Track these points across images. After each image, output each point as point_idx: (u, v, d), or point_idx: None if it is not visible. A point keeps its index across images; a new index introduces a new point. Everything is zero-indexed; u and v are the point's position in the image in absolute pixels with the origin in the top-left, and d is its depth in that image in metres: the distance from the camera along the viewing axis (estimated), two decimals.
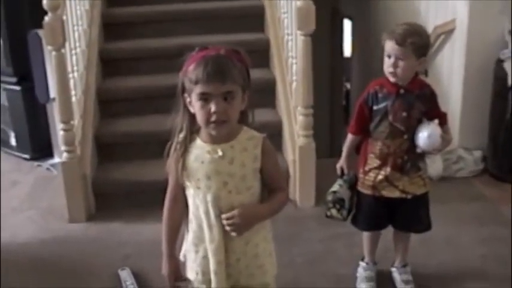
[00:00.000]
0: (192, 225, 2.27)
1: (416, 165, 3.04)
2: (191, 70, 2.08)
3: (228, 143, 2.17)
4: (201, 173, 2.18)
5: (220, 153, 2.16)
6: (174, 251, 2.35)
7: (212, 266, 2.23)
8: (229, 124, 2.12)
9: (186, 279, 2.38)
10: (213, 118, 2.07)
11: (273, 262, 2.38)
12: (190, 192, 2.24)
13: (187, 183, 2.23)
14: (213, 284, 2.26)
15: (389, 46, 2.84)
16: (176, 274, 2.35)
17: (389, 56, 2.85)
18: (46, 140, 5.11)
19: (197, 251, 2.28)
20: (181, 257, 2.39)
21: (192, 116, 2.16)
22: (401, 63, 2.84)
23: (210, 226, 2.20)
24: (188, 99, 2.13)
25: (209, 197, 2.18)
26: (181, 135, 2.20)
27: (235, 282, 2.30)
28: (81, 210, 4.14)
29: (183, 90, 2.14)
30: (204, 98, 2.06)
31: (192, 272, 2.33)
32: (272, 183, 2.28)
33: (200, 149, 2.19)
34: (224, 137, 2.16)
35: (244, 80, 2.14)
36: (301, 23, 3.94)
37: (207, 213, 2.20)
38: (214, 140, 2.17)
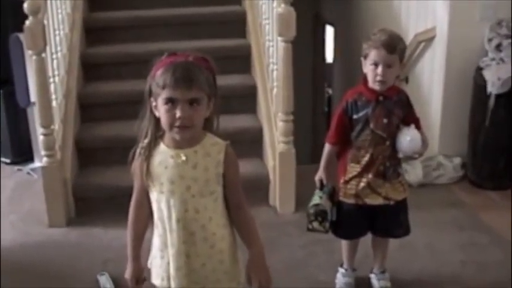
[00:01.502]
0: (159, 230, 2.28)
1: (396, 171, 3.06)
2: (159, 75, 2.10)
3: (191, 148, 2.20)
4: (165, 177, 2.20)
5: (183, 157, 2.19)
6: (138, 255, 2.35)
7: (171, 271, 2.25)
8: (193, 129, 2.14)
9: (148, 283, 2.39)
10: (178, 123, 2.09)
11: (240, 270, 2.36)
12: (154, 197, 2.25)
13: (151, 188, 2.24)
14: None
15: (377, 54, 2.84)
16: (138, 278, 2.36)
17: (376, 64, 2.86)
18: (27, 144, 5.10)
19: (162, 257, 2.29)
20: (148, 265, 2.40)
21: (157, 121, 2.18)
22: (390, 71, 2.86)
23: (171, 230, 2.22)
24: (154, 103, 2.15)
25: (172, 202, 2.20)
26: (146, 140, 2.21)
27: None
28: (61, 214, 4.13)
29: (150, 94, 2.16)
30: (170, 102, 2.08)
31: (157, 278, 2.33)
32: (231, 194, 2.29)
33: (164, 153, 2.20)
34: (188, 142, 2.19)
35: (210, 87, 2.16)
36: (282, 29, 3.95)
37: (169, 217, 2.22)
38: (178, 145, 2.19)
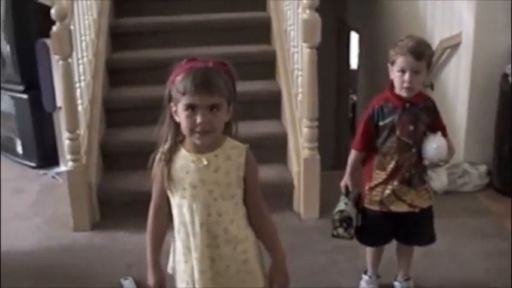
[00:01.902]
0: (181, 235, 2.28)
1: (422, 178, 3.05)
2: (179, 81, 2.11)
3: (212, 152, 2.21)
4: (187, 182, 2.21)
5: (205, 162, 2.20)
6: (158, 260, 2.36)
7: (196, 274, 2.26)
8: (213, 134, 2.16)
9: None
10: (198, 129, 2.11)
11: (263, 270, 2.37)
12: (175, 202, 2.26)
13: (173, 193, 2.25)
14: None
15: (405, 61, 2.83)
16: (161, 283, 2.36)
17: (403, 71, 2.85)
18: (52, 148, 5.13)
19: (186, 261, 2.29)
20: (169, 270, 2.41)
21: (177, 126, 2.19)
22: (418, 77, 2.85)
23: (194, 235, 2.23)
24: (174, 109, 2.16)
25: (195, 206, 2.21)
26: (167, 145, 2.22)
27: None
28: (86, 218, 4.16)
29: (170, 99, 2.17)
30: (191, 108, 2.10)
31: (182, 283, 2.33)
32: (251, 197, 2.31)
33: (185, 158, 2.21)
34: (208, 146, 2.20)
35: (230, 92, 2.17)
36: (307, 36, 3.95)
37: (192, 222, 2.22)
38: (199, 150, 2.20)
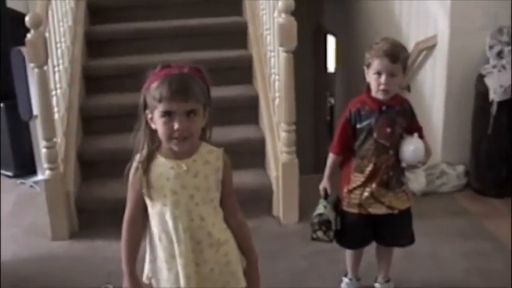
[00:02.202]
0: (162, 243, 2.26)
1: (400, 180, 3.06)
2: (154, 88, 2.11)
3: (190, 158, 2.22)
4: (168, 189, 2.20)
5: (184, 167, 2.20)
6: (135, 270, 2.34)
7: (182, 280, 2.25)
8: (191, 140, 2.17)
9: None
10: (176, 135, 2.11)
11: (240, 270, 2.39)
12: (156, 210, 2.24)
13: (153, 201, 2.24)
14: None
15: (381, 64, 2.84)
16: None
17: (379, 74, 2.85)
18: (29, 157, 5.10)
19: (170, 269, 2.28)
20: (144, 279, 2.39)
21: (153, 133, 2.19)
22: (394, 80, 2.86)
23: (179, 241, 2.22)
24: (150, 116, 2.16)
25: (177, 212, 2.21)
26: (144, 153, 2.21)
27: None
28: (64, 227, 4.13)
29: (145, 106, 2.17)
30: (168, 115, 2.10)
31: None
32: (228, 200, 2.33)
33: (163, 165, 2.21)
34: (186, 152, 2.20)
35: (205, 97, 2.17)
36: (283, 40, 3.95)
37: (176, 228, 2.22)
38: (177, 156, 2.20)
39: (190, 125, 2.12)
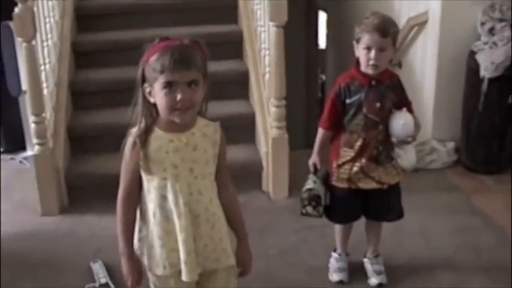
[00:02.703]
0: (157, 219, 2.24)
1: (390, 155, 3.06)
2: (155, 59, 2.07)
3: (189, 131, 2.19)
4: (167, 162, 2.17)
5: (184, 140, 2.18)
6: (133, 251, 2.32)
7: (182, 256, 2.22)
8: (193, 111, 2.14)
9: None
10: (179, 106, 2.08)
11: (233, 247, 2.38)
12: (154, 185, 2.21)
13: (152, 175, 2.20)
14: (184, 275, 2.25)
15: (370, 39, 2.82)
16: (140, 272, 2.34)
17: (369, 48, 2.84)
18: (19, 133, 5.07)
19: (163, 245, 2.25)
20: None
21: (151, 107, 2.16)
22: (383, 55, 2.85)
23: (179, 215, 2.20)
24: (148, 90, 2.13)
25: (178, 186, 2.18)
26: (141, 126, 2.17)
27: (203, 270, 2.31)
28: (54, 203, 4.12)
29: (143, 80, 2.14)
30: (170, 86, 2.07)
31: (158, 268, 2.30)
32: (222, 173, 2.31)
33: (161, 139, 2.18)
34: (184, 125, 2.18)
35: (204, 68, 2.15)
36: (274, 14, 3.93)
37: (176, 202, 2.19)
38: (176, 129, 2.17)
39: (192, 95, 2.09)
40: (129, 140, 2.20)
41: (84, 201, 4.21)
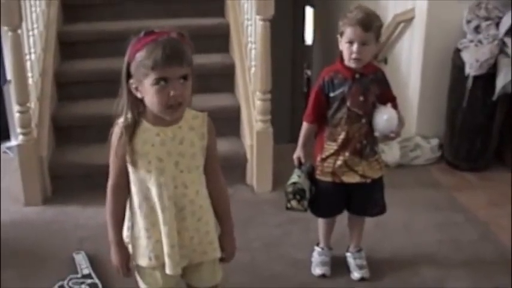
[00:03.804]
0: (143, 210, 2.24)
1: (373, 149, 3.07)
2: (145, 55, 2.02)
3: (176, 124, 2.18)
4: (152, 155, 2.16)
5: (170, 134, 2.16)
6: (122, 240, 2.32)
7: (165, 249, 2.23)
8: (184, 106, 2.12)
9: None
10: (172, 101, 2.05)
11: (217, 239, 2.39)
12: (139, 177, 2.21)
13: (137, 168, 2.19)
14: (167, 268, 2.25)
15: (353, 32, 2.83)
16: (127, 262, 2.34)
17: (351, 42, 2.85)
18: (3, 122, 5.05)
19: (149, 237, 2.26)
20: None
21: (137, 101, 2.12)
22: (366, 49, 2.85)
23: (163, 209, 2.19)
24: (134, 86, 2.09)
25: (162, 179, 2.17)
26: (128, 120, 2.15)
27: (189, 263, 2.31)
28: (38, 193, 4.11)
29: (129, 76, 2.09)
30: (162, 82, 2.03)
31: (143, 259, 2.30)
32: (212, 164, 2.30)
33: (148, 132, 2.16)
34: (179, 115, 2.16)
35: (192, 61, 2.12)
36: (260, 8, 3.92)
37: (160, 195, 2.19)
38: (163, 122, 2.15)
39: (184, 91, 2.06)
40: (116, 131, 2.19)
41: (67, 192, 4.20)
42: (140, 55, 2.03)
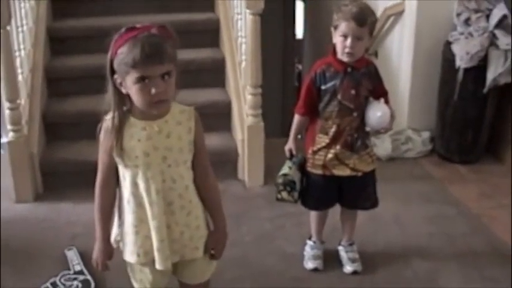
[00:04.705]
0: (131, 206, 2.23)
1: (364, 142, 3.07)
2: (125, 53, 2.00)
3: (162, 118, 2.16)
4: (139, 150, 2.15)
5: (156, 128, 2.15)
6: (108, 235, 2.32)
7: (155, 243, 2.22)
8: (168, 102, 2.12)
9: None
10: (155, 99, 2.04)
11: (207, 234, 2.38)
12: (126, 172, 2.20)
13: (124, 163, 2.18)
14: (157, 263, 2.25)
15: (348, 27, 2.82)
16: (109, 259, 2.34)
17: (345, 36, 2.84)
18: None
19: (137, 232, 2.25)
20: (112, 242, 2.35)
21: (123, 96, 2.11)
22: (359, 43, 2.85)
23: (151, 203, 2.19)
24: (119, 81, 2.07)
25: (149, 174, 2.17)
26: (115, 114, 2.14)
27: (180, 258, 2.30)
28: (29, 190, 4.10)
29: (112, 71, 2.08)
30: (143, 80, 2.02)
31: (132, 255, 2.29)
32: (200, 159, 2.28)
33: (134, 126, 2.15)
34: (164, 111, 2.16)
35: (175, 56, 2.10)
36: (250, 2, 3.92)
37: (148, 190, 2.18)
38: (149, 117, 2.14)
39: (166, 88, 2.04)
40: (104, 127, 2.18)
41: (59, 188, 4.19)
42: (121, 52, 2.02)
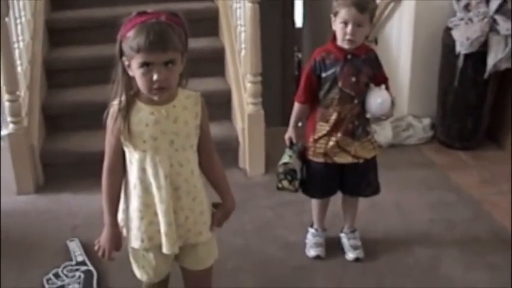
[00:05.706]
0: (137, 191, 2.24)
1: (365, 129, 3.07)
2: (131, 37, 2.04)
3: (169, 103, 2.18)
4: (147, 135, 2.17)
5: (164, 113, 2.17)
6: (116, 220, 2.32)
7: (163, 227, 2.23)
8: (170, 90, 2.13)
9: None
10: (155, 85, 2.06)
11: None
12: (134, 157, 2.21)
13: (131, 148, 2.20)
14: (164, 247, 2.26)
15: (348, 13, 2.80)
16: (117, 244, 2.33)
17: (346, 23, 2.83)
18: None
19: (142, 218, 2.26)
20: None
21: (131, 80, 2.14)
22: (360, 30, 2.84)
23: (159, 187, 2.20)
24: (127, 63, 2.10)
25: (157, 158, 2.18)
26: (122, 99, 2.16)
27: (184, 243, 2.31)
28: (30, 181, 4.10)
29: (121, 53, 2.11)
30: (146, 66, 2.05)
31: (136, 240, 2.30)
32: (206, 142, 2.31)
33: (142, 111, 2.17)
34: (166, 98, 2.17)
35: (183, 44, 2.12)
36: None
37: (156, 175, 2.19)
38: (157, 102, 2.16)
39: (169, 76, 2.07)
40: (111, 112, 2.19)
41: (59, 180, 4.19)
42: (128, 36, 2.05)
